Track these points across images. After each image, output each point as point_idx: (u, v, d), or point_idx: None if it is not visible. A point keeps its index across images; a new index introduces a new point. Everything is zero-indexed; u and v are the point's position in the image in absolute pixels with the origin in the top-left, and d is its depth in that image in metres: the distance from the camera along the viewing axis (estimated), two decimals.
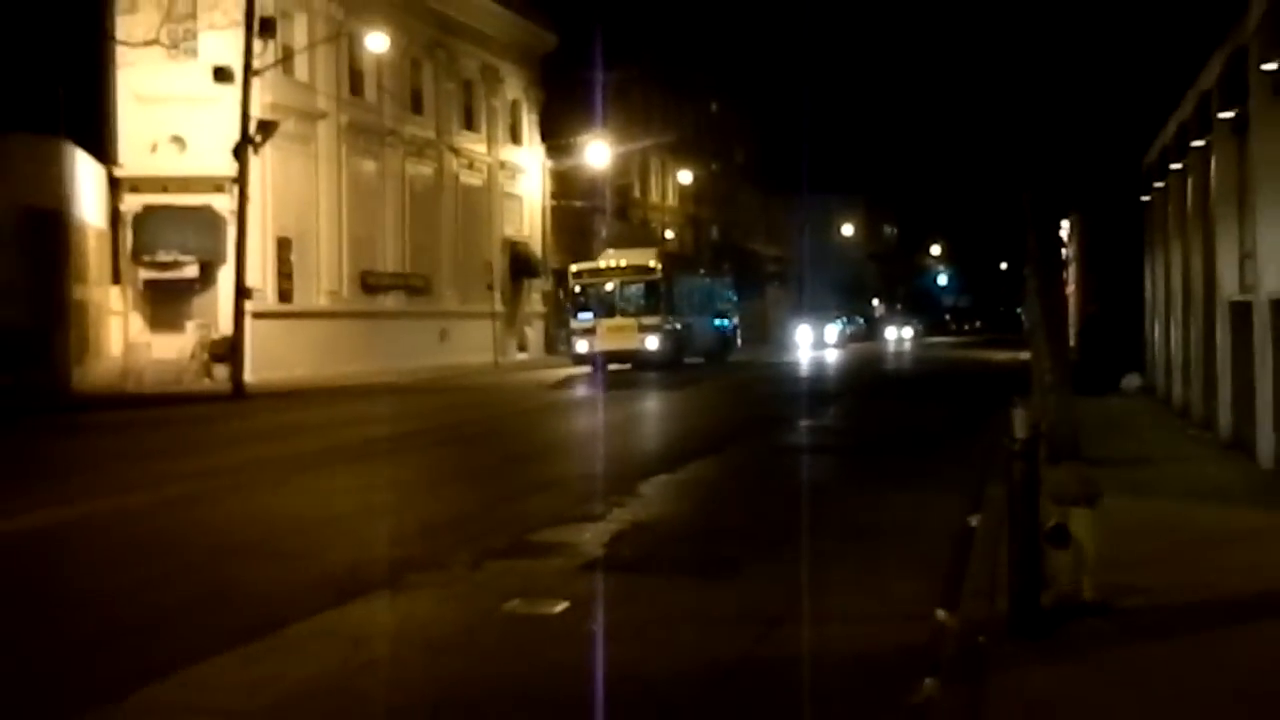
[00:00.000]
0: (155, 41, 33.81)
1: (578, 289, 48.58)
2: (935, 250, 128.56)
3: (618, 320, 46.15)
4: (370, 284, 44.76)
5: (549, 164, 57.13)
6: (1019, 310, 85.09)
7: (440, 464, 18.42)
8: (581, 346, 46.38)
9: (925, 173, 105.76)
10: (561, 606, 8.77)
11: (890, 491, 14.68)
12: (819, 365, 54.97)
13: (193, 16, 35.03)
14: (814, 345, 73.13)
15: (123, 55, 34.60)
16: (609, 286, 47.85)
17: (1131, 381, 28.35)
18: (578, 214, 58.49)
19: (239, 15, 32.28)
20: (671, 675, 7.17)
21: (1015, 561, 7.30)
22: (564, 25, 54.51)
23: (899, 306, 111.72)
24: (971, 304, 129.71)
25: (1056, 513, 7.54)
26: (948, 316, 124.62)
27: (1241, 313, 16.16)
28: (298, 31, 38.56)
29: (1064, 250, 18.49)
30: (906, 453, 19.20)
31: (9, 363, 26.07)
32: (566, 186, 57.83)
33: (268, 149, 33.38)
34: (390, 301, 46.13)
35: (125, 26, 34.42)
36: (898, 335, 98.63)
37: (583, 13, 51.59)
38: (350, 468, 17.84)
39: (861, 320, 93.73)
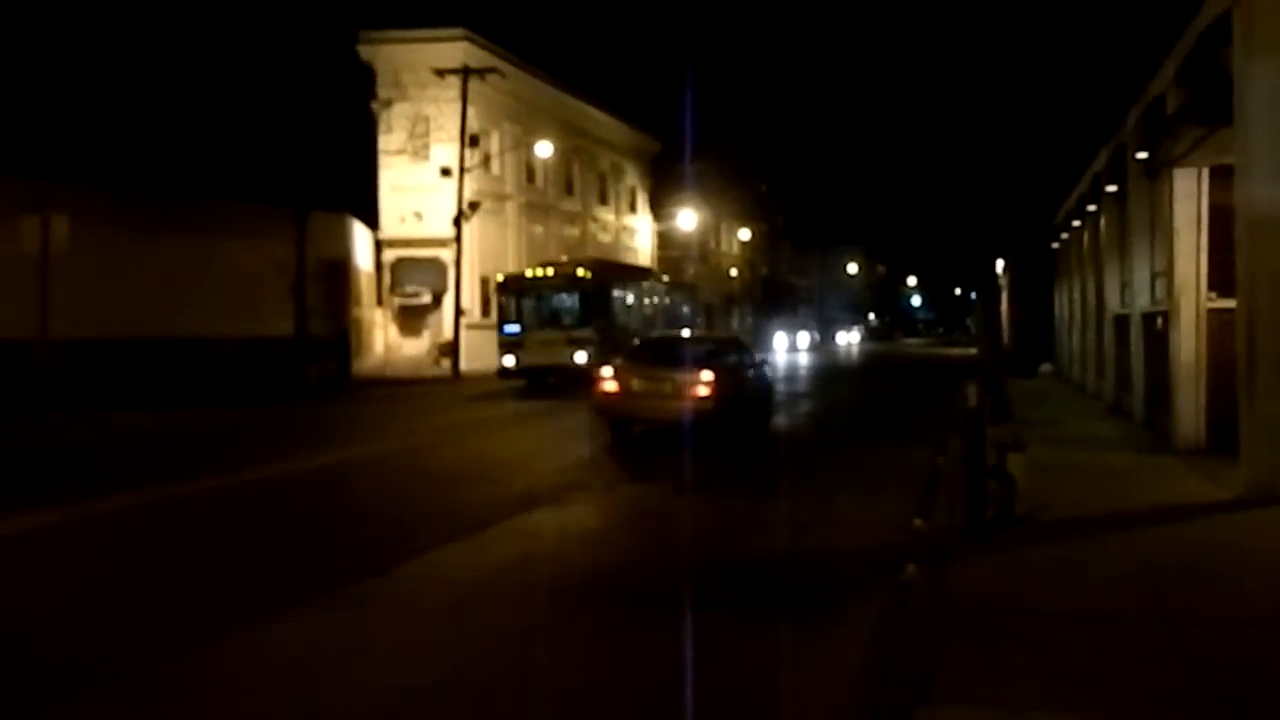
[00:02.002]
0: (404, 151, 34.38)
1: (505, 300, 28.71)
2: (912, 281, 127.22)
3: (545, 333, 27.62)
4: None
5: (655, 226, 57.31)
6: (968, 321, 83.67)
7: (588, 423, 18.53)
8: (508, 360, 27.52)
9: (905, 230, 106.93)
10: (667, 514, 8.84)
11: (878, 443, 14.56)
12: (791, 364, 42.90)
13: (427, 134, 35.47)
14: (788, 349, 61.58)
15: (384, 160, 35.20)
16: (537, 298, 28.73)
17: (1046, 368, 27.96)
18: (674, 259, 58.44)
19: (456, 134, 32.68)
20: (738, 557, 7.22)
21: (969, 489, 7.26)
22: (665, 136, 54.59)
23: (826, 313, 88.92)
24: (935, 318, 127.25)
25: (997, 456, 7.48)
26: (920, 326, 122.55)
27: (1122, 322, 16.01)
28: (493, 143, 38.93)
29: (1000, 281, 18.28)
30: (888, 417, 19.01)
31: (317, 357, 26.83)
32: (666, 240, 57.86)
33: (474, 220, 33.73)
34: None
35: (385, 142, 34.98)
36: (846, 340, 79.82)
37: (677, 128, 51.71)
38: (530, 424, 18.07)
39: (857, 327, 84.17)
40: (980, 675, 4.49)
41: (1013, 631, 5.11)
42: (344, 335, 29.61)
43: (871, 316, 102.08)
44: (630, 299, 31.58)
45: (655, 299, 34.62)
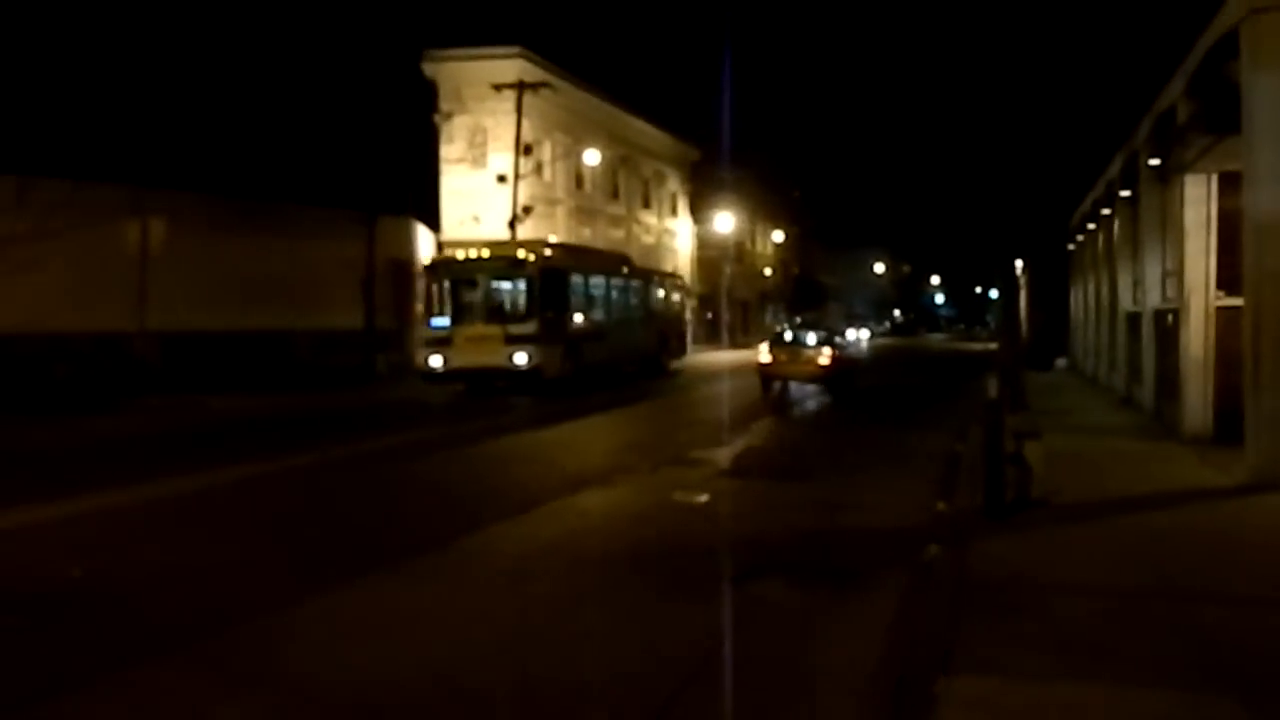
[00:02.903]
0: (463, 160, 34.65)
1: (433, 287, 21.32)
2: (935, 279, 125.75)
3: (479, 328, 20.41)
4: None
5: (694, 228, 57.18)
6: (987, 317, 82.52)
7: (631, 412, 18.58)
8: (434, 361, 20.42)
9: (929, 231, 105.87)
10: (705, 497, 8.79)
11: (902, 431, 14.42)
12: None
13: (485, 144, 35.64)
14: None
15: (445, 168, 35.45)
16: (470, 285, 21.21)
17: (1061, 362, 27.51)
18: (712, 259, 58.29)
19: (511, 143, 32.78)
20: (772, 536, 7.19)
21: (988, 473, 7.19)
22: (704, 144, 54.36)
23: (855, 309, 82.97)
24: (957, 314, 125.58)
25: (1015, 443, 7.40)
26: (942, 322, 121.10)
27: (1134, 319, 15.73)
28: (545, 151, 39.03)
29: (1019, 279, 18.04)
30: (911, 407, 18.83)
31: (384, 348, 27.13)
32: (704, 242, 57.68)
33: (527, 223, 33.84)
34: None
35: (446, 152, 35.23)
36: (855, 337, 75.72)
37: (716, 137, 51.57)
38: (575, 408, 18.13)
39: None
40: (998, 648, 4.46)
41: (1029, 607, 5.06)
42: (405, 328, 29.86)
43: (896, 313, 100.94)
44: (594, 290, 23.98)
45: (633, 291, 27.04)
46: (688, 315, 34.33)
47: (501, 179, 33.81)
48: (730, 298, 57.57)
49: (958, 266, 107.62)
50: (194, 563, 6.48)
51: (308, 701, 4.15)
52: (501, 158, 34.25)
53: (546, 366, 20.00)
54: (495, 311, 20.72)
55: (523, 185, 33.16)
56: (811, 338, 21.65)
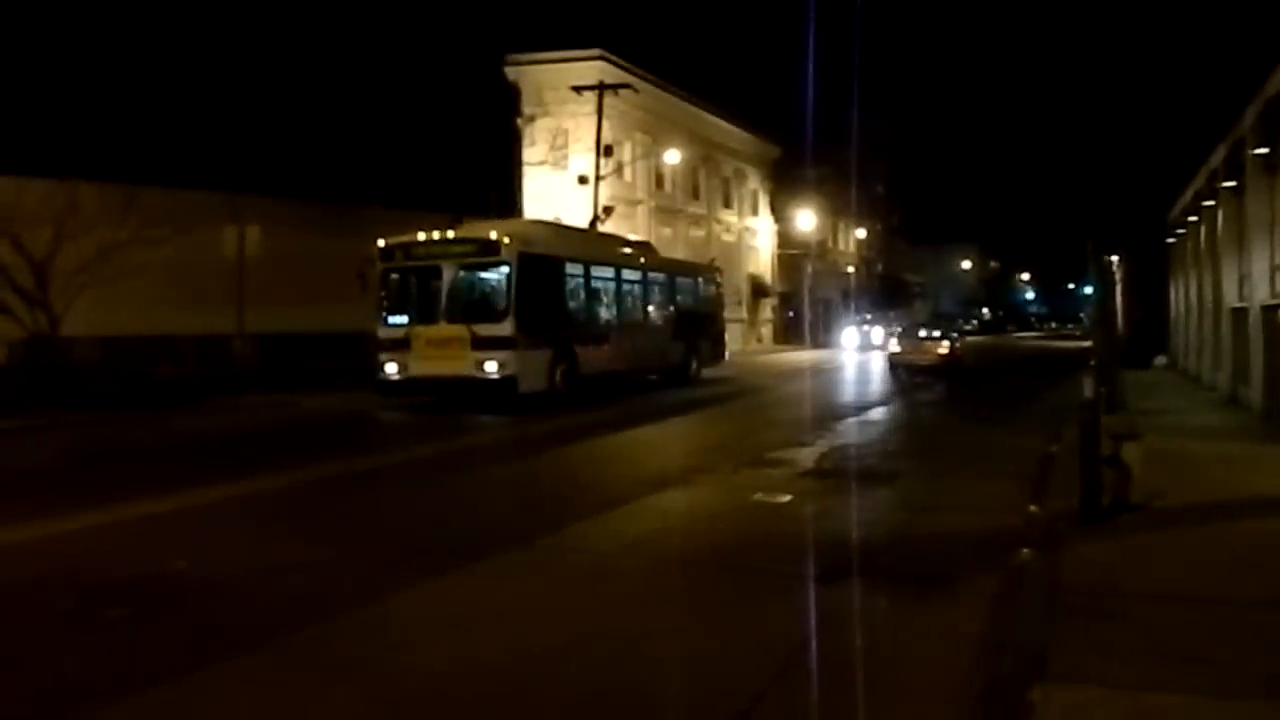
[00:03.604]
0: (544, 162, 35.06)
1: (387, 278, 17.24)
2: (1024, 275, 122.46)
3: (441, 328, 16.49)
4: None
5: (775, 227, 56.75)
6: (1081, 314, 79.88)
7: (710, 411, 18.52)
8: (390, 369, 16.75)
9: (1019, 225, 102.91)
10: (787, 497, 8.69)
11: (991, 432, 14.06)
12: (843, 371, 29.05)
13: (565, 147, 36.03)
14: (860, 347, 46.23)
15: (527, 171, 35.96)
16: (432, 276, 16.87)
17: (1160, 360, 26.54)
18: (793, 257, 57.76)
19: (592, 145, 33.05)
20: (856, 539, 7.08)
21: (1085, 475, 6.95)
22: (785, 141, 53.90)
23: (941, 307, 75.75)
24: (1048, 311, 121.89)
25: (1112, 444, 7.14)
26: (1032, 320, 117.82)
27: (1239, 315, 15.08)
28: (626, 152, 39.23)
29: (1115, 274, 17.38)
30: (1000, 407, 18.34)
31: None
32: (785, 240, 57.18)
33: (609, 223, 34.09)
34: None
35: (528, 154, 35.71)
36: (928, 335, 62.00)
37: (797, 133, 51.14)
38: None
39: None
40: (1093, 656, 4.31)
41: (1126, 614, 4.88)
42: None
43: (984, 310, 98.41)
44: (598, 283, 19.87)
45: (652, 286, 22.61)
46: (725, 313, 28.49)
47: (582, 180, 34.09)
48: (812, 296, 56.91)
49: (1049, 262, 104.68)
50: (287, 557, 6.68)
51: (396, 693, 4.24)
52: (582, 159, 34.54)
53: (524, 376, 16.01)
54: (462, 307, 16.36)
55: (603, 186, 33.37)
56: (936, 333, 29.01)
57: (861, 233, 70.18)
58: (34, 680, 4.45)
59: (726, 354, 27.23)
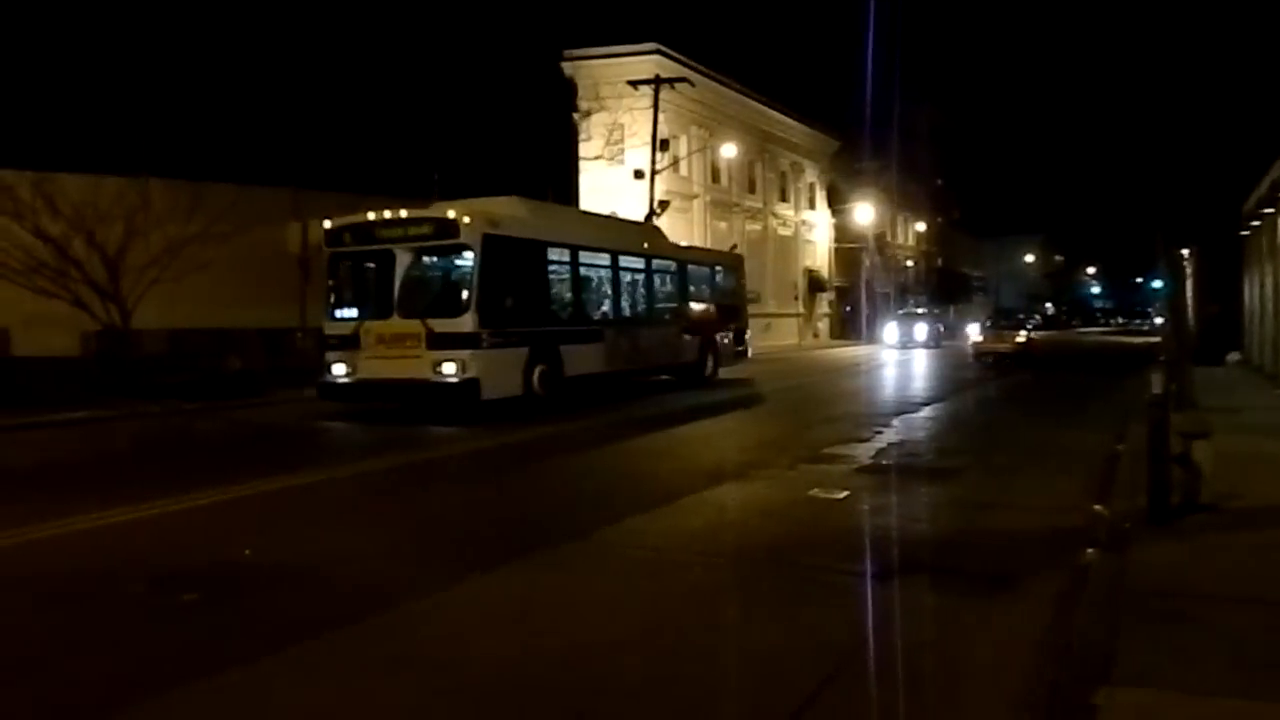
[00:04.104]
0: (600, 157, 35.15)
1: (335, 265, 15.25)
2: (1090, 269, 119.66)
3: (393, 324, 14.18)
4: None
5: (832, 220, 56.22)
6: (1150, 309, 77.81)
7: (768, 404, 18.43)
8: (337, 370, 14.56)
9: (1084, 218, 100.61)
10: (844, 494, 8.61)
11: (1055, 429, 13.77)
12: (882, 371, 27.49)
13: (622, 141, 36.08)
14: (901, 343, 42.82)
15: (583, 166, 36.11)
16: (384, 262, 14.57)
17: (1233, 357, 25.76)
18: (850, 251, 57.16)
19: (648, 139, 33.08)
20: (915, 536, 7.00)
21: (1152, 474, 6.77)
22: (844, 134, 53.35)
23: (971, 303, 71.10)
24: (1114, 306, 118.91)
25: (1181, 443, 6.95)
26: (1098, 315, 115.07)
27: None
28: (682, 146, 39.17)
29: (1186, 268, 16.87)
30: (1064, 403, 17.95)
31: None
32: (843, 233, 56.59)
33: (664, 217, 34.06)
34: None
35: (585, 149, 35.84)
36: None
37: (856, 126, 50.59)
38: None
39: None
40: (1161, 659, 4.21)
41: (1195, 617, 4.75)
42: None
43: (1048, 305, 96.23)
44: (588, 272, 17.41)
45: (659, 276, 20.19)
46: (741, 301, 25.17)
47: (638, 174, 34.11)
48: (869, 290, 56.24)
49: (1116, 255, 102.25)
50: (347, 546, 6.82)
51: (457, 681, 4.31)
52: (638, 153, 34.56)
53: (489, 380, 13.82)
54: (417, 299, 14.35)
55: (659, 180, 33.37)
56: (1012, 324, 36.39)
57: (921, 226, 69.23)
58: (117, 661, 4.61)
59: (750, 351, 24.97)
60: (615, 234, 19.82)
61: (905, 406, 16.87)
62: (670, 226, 36.33)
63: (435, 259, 14.87)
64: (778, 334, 48.45)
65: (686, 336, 20.55)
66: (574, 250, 16.86)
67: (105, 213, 18.66)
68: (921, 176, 65.92)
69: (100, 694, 4.17)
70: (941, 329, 47.50)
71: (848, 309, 57.97)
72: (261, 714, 4.04)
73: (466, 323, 13.80)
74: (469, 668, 4.47)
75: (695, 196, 41.78)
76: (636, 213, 33.13)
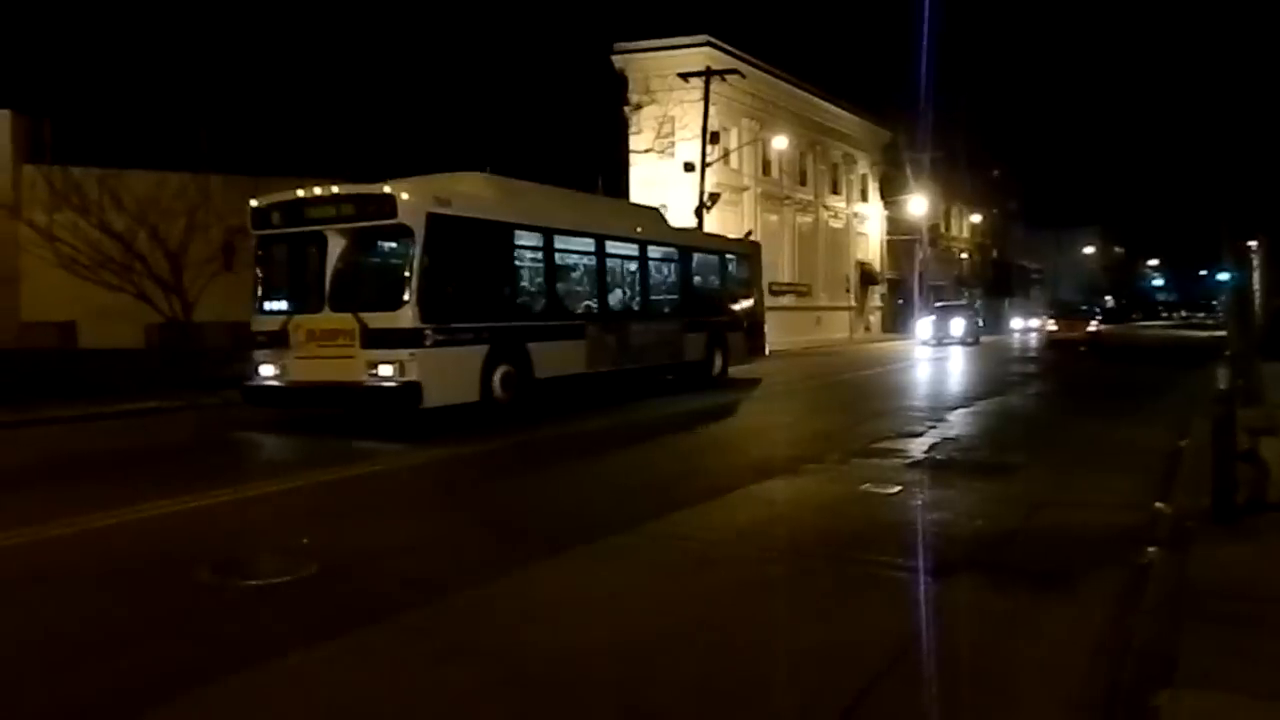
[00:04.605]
0: (651, 150, 35.14)
1: (263, 249, 13.29)
2: (1152, 261, 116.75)
3: (325, 318, 12.18)
4: (775, 289, 44.70)
5: (885, 212, 55.56)
6: (1214, 302, 75.74)
7: (819, 398, 18.29)
8: (264, 372, 12.67)
9: (1146, 209, 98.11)
10: (896, 489, 8.51)
11: (1115, 424, 13.45)
12: (913, 371, 24.42)
13: (672, 134, 36.05)
14: (936, 339, 39.61)
15: (634, 159, 36.15)
16: (314, 246, 12.44)
17: None
18: (903, 244, 56.48)
19: (698, 131, 32.98)
20: (969, 532, 6.90)
21: (1217, 471, 6.57)
22: (897, 125, 52.70)
23: (1028, 296, 71.70)
24: (1177, 299, 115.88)
25: (1248, 439, 6.75)
26: (1159, 308, 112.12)
27: None
28: (732, 139, 39.01)
29: (1253, 260, 16.34)
30: (1124, 398, 17.53)
31: None
32: (896, 226, 55.92)
33: (715, 210, 33.97)
34: (786, 300, 45.97)
35: (635, 142, 35.91)
36: (1024, 326, 59.27)
37: (910, 116, 49.89)
38: (765, 400, 18.01)
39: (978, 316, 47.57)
40: (1225, 661, 4.09)
41: (1262, 619, 4.61)
42: None
43: (1108, 298, 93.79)
44: (565, 258, 15.47)
45: (656, 264, 18.11)
46: (762, 300, 23.58)
47: (689, 167, 34.05)
48: (923, 283, 55.54)
49: (1179, 247, 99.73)
50: (400, 537, 6.92)
51: (507, 671, 4.35)
52: (689, 146, 34.50)
53: (434, 384, 11.95)
54: (351, 290, 12.37)
55: (709, 173, 33.27)
56: (1081, 313, 39.69)
57: (977, 217, 68.13)
58: (185, 644, 4.74)
59: (768, 347, 23.18)
60: (604, 217, 17.45)
61: (958, 404, 16.59)
62: (720, 219, 36.21)
63: (371, 243, 12.84)
64: (829, 327, 48.10)
65: (691, 332, 18.57)
66: (549, 234, 14.79)
67: (168, 208, 19.13)
68: (977, 167, 64.85)
69: (165, 677, 4.28)
70: (981, 323, 45.53)
71: (900, 302, 57.29)
72: (319, 698, 4.11)
73: (405, 317, 11.88)
74: (516, 658, 4.50)
75: (746, 189, 41.61)
76: (686, 205, 33.06)
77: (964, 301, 50.20)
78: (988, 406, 15.97)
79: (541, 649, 4.63)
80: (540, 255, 14.75)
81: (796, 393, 19.27)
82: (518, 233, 14.24)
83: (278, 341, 12.56)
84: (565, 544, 6.53)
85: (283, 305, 12.93)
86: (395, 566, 6.09)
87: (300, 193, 12.78)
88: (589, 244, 16.09)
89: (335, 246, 12.36)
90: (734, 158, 38.79)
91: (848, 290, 51.75)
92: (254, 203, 13.25)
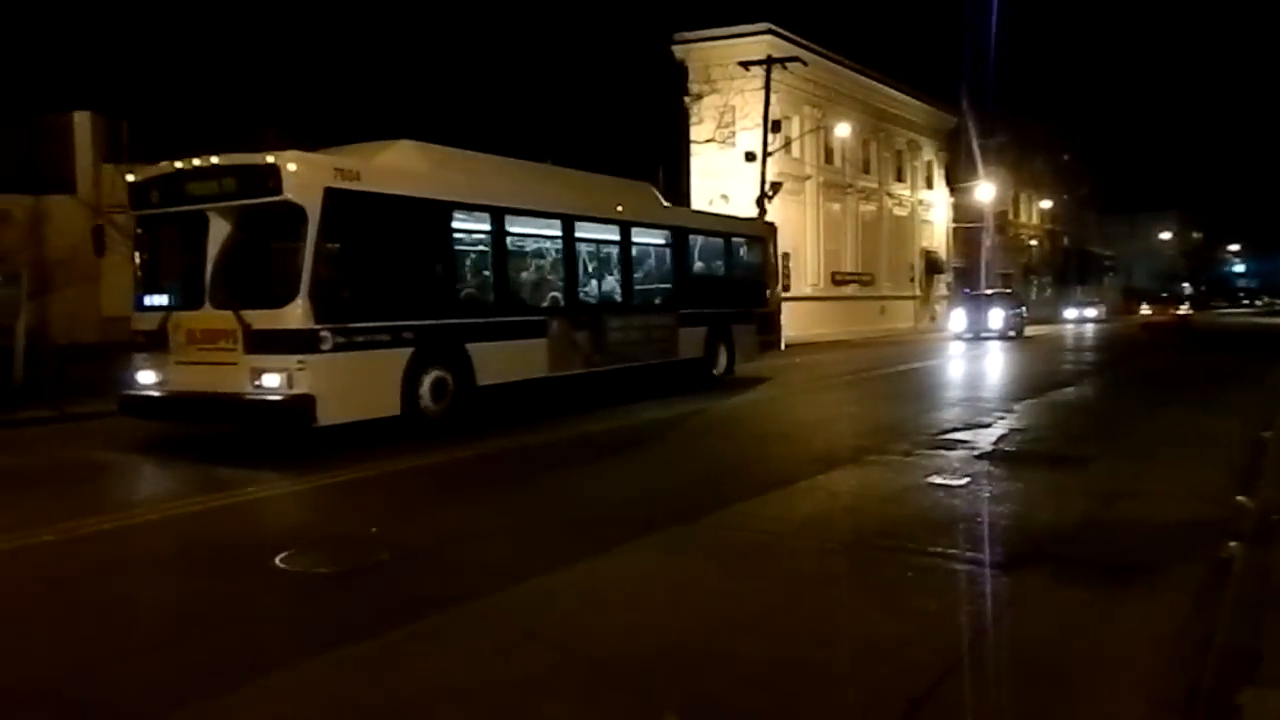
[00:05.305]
0: (712, 140, 34.98)
1: (148, 233, 11.11)
2: (1233, 247, 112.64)
3: (206, 315, 9.94)
4: (837, 279, 44.30)
5: (951, 199, 54.56)
6: None
7: (882, 389, 18.05)
8: (144, 379, 10.40)
9: (1228, 192, 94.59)
10: (964, 480, 8.36)
11: (1193, 414, 13.02)
12: (945, 370, 21.18)
13: (733, 124, 35.81)
14: (971, 332, 34.57)
15: (694, 149, 36.00)
16: (193, 228, 10.14)
17: None
18: (969, 231, 55.39)
19: (759, 120, 32.71)
20: (1040, 524, 6.74)
21: None
22: (963, 109, 51.59)
23: (1080, 287, 67.48)
24: (1259, 285, 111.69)
25: None
26: (1240, 294, 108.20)
27: None
28: (794, 127, 38.61)
29: None
30: (1204, 387, 16.96)
31: None
32: (962, 213, 54.85)
33: (776, 199, 33.63)
34: (850, 289, 45.46)
35: (696, 133, 35.72)
36: (1079, 315, 54.35)
37: (977, 101, 48.91)
38: (829, 391, 17.84)
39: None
40: None
41: None
42: None
43: (1185, 285, 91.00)
44: (512, 241, 13.05)
45: (642, 249, 15.80)
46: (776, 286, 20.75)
47: (750, 157, 33.79)
48: (989, 272, 54.42)
49: (1261, 231, 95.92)
50: (465, 526, 7.02)
51: (573, 658, 4.38)
52: (750, 135, 34.24)
53: (336, 396, 9.92)
54: (234, 283, 10.28)
55: (771, 162, 32.99)
56: (1166, 297, 45.81)
57: (1047, 203, 66.47)
58: (263, 629, 4.88)
59: (783, 341, 20.86)
60: (575, 194, 14.72)
61: (1038, 392, 16.20)
62: (782, 209, 35.89)
63: (258, 225, 10.38)
64: (893, 317, 47.48)
65: (687, 326, 16.38)
66: (499, 214, 12.61)
67: None
68: (1047, 152, 63.26)
69: (246, 660, 4.41)
70: (1025, 312, 39.28)
71: (966, 291, 56.29)
72: (392, 682, 4.19)
73: (295, 315, 9.73)
74: (583, 645, 4.53)
75: (808, 178, 41.18)
76: (747, 195, 32.82)
77: (1003, 289, 43.15)
78: (1064, 396, 15.58)
79: (605, 636, 4.65)
80: (487, 239, 12.55)
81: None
82: (457, 213, 12.06)
83: (156, 343, 10.43)
84: (637, 530, 6.54)
85: (163, 300, 10.82)
86: (464, 552, 6.16)
87: (179, 164, 10.58)
88: (553, 226, 13.77)
89: (218, 230, 10.26)
90: (795, 146, 38.40)
91: (912, 279, 50.98)
92: (130, 177, 11.26)
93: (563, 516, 7.30)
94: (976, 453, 9.82)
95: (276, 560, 5.91)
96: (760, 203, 31.82)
